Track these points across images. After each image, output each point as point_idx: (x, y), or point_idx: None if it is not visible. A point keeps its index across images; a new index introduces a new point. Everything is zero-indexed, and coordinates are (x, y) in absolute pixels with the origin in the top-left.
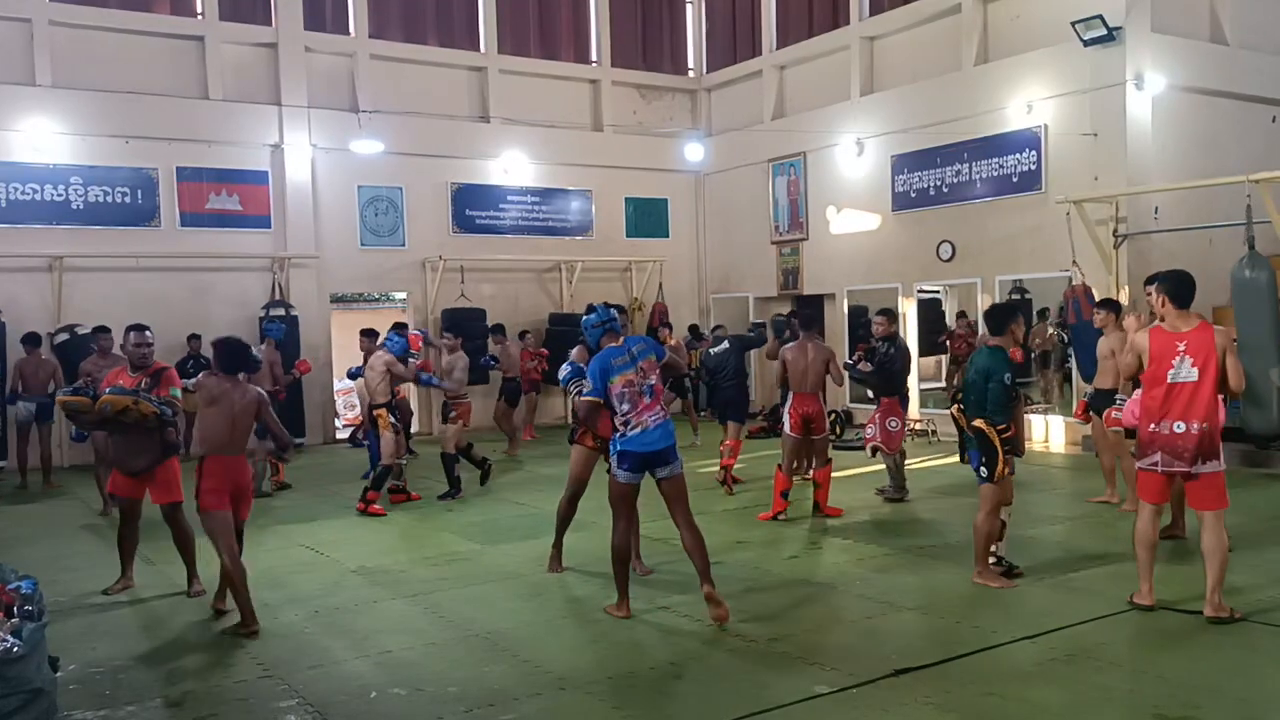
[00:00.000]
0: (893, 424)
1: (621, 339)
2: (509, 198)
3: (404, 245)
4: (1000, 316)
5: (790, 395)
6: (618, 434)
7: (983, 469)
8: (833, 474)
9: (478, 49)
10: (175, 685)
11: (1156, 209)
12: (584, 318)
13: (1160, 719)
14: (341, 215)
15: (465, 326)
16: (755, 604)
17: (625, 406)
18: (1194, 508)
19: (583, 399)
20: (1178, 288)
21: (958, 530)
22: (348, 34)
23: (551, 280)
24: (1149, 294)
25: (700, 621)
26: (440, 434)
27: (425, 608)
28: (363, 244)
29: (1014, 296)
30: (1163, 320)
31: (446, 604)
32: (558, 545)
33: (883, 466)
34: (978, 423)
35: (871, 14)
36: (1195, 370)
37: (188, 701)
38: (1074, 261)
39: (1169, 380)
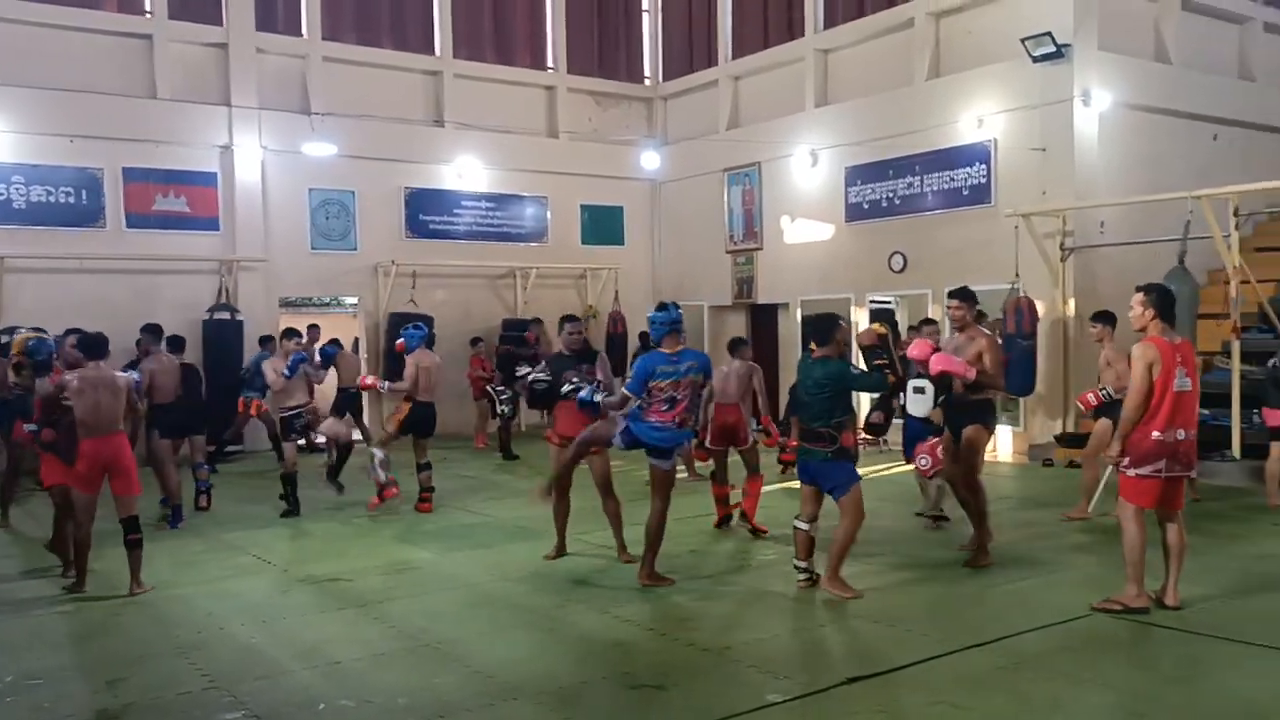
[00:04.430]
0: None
1: (680, 347)
2: (463, 203)
3: (355, 249)
4: (824, 327)
5: (712, 408)
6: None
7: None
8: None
9: (432, 53)
10: (117, 697)
11: (1103, 223)
12: (652, 313)
13: None
14: (292, 218)
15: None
16: (707, 612)
17: (649, 400)
18: (1172, 509)
19: (621, 393)
20: (1165, 301)
21: (907, 539)
22: (300, 35)
23: (505, 287)
24: (1133, 304)
25: (653, 630)
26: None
27: (375, 617)
28: (313, 247)
29: (886, 305)
30: (1143, 330)
31: (396, 613)
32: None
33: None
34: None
35: (826, 27)
36: (1188, 380)
37: (129, 714)
38: (1016, 274)
39: (1176, 389)
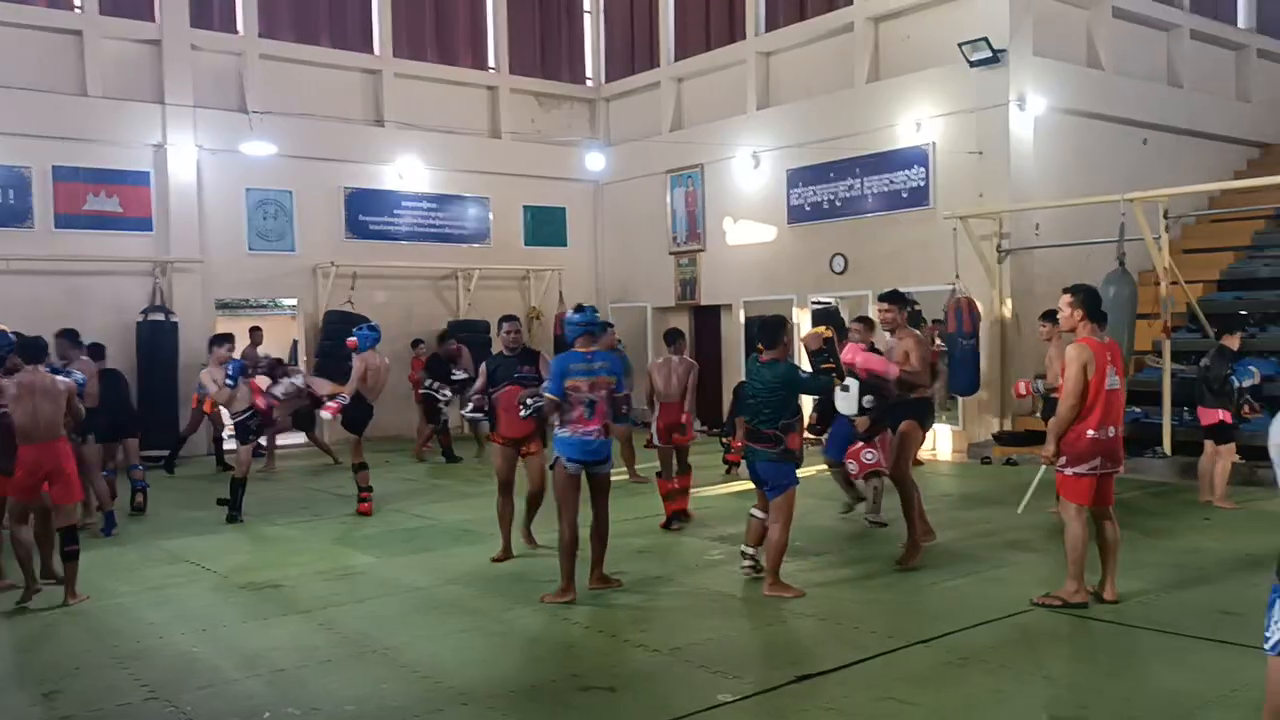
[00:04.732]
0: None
1: (594, 347)
2: (404, 203)
3: (294, 250)
4: (772, 330)
5: (657, 406)
6: (562, 429)
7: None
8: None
9: (372, 51)
10: (55, 709)
11: (1038, 225)
12: (569, 315)
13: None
14: (228, 218)
15: (347, 331)
16: (657, 613)
17: (569, 410)
18: (1104, 505)
19: (545, 396)
20: (1092, 301)
21: (849, 538)
22: (236, 32)
23: (448, 288)
24: (1061, 305)
25: (603, 632)
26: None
27: (319, 623)
28: (250, 248)
29: (827, 305)
30: (1072, 331)
31: (341, 619)
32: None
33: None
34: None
35: (767, 30)
36: (1117, 378)
37: None
38: (956, 275)
39: (1107, 388)
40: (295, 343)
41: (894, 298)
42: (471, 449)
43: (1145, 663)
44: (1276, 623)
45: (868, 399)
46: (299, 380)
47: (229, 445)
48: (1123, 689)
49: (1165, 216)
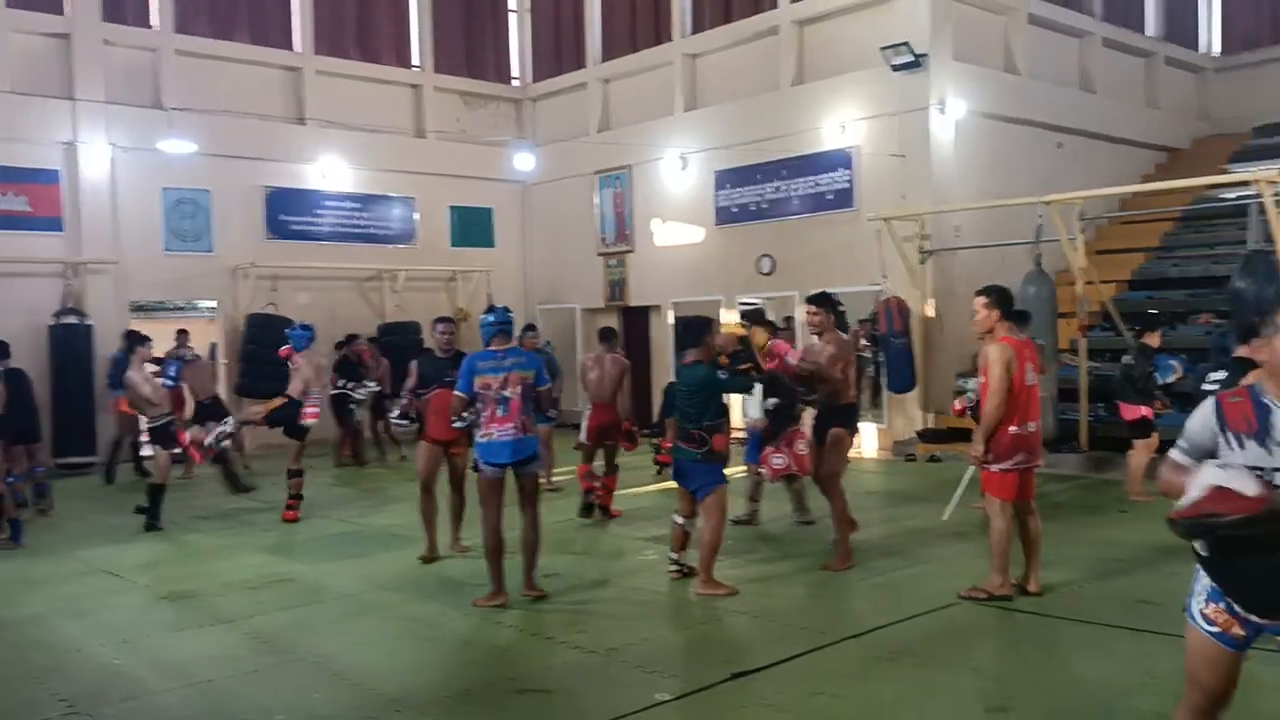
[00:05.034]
0: (801, 447)
1: (507, 346)
2: (326, 203)
3: (212, 251)
4: (695, 331)
5: (589, 405)
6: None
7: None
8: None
9: (292, 48)
10: None
11: (958, 227)
12: (482, 316)
13: (984, 711)
14: (143, 218)
15: (269, 334)
16: (591, 615)
17: (482, 410)
18: (1027, 499)
19: (458, 396)
20: (1005, 300)
21: (778, 536)
22: (149, 27)
23: (373, 290)
24: (976, 307)
25: (537, 635)
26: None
27: (245, 633)
28: (167, 249)
29: (754, 305)
30: (990, 332)
31: (268, 628)
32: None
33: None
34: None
35: (694, 32)
36: (1034, 375)
37: None
38: (884, 275)
39: (1026, 384)
40: (214, 345)
41: (822, 300)
42: (389, 451)
43: (1069, 653)
44: (1192, 589)
45: (770, 401)
46: (229, 426)
47: (146, 451)
48: (1048, 679)
49: (1081, 218)
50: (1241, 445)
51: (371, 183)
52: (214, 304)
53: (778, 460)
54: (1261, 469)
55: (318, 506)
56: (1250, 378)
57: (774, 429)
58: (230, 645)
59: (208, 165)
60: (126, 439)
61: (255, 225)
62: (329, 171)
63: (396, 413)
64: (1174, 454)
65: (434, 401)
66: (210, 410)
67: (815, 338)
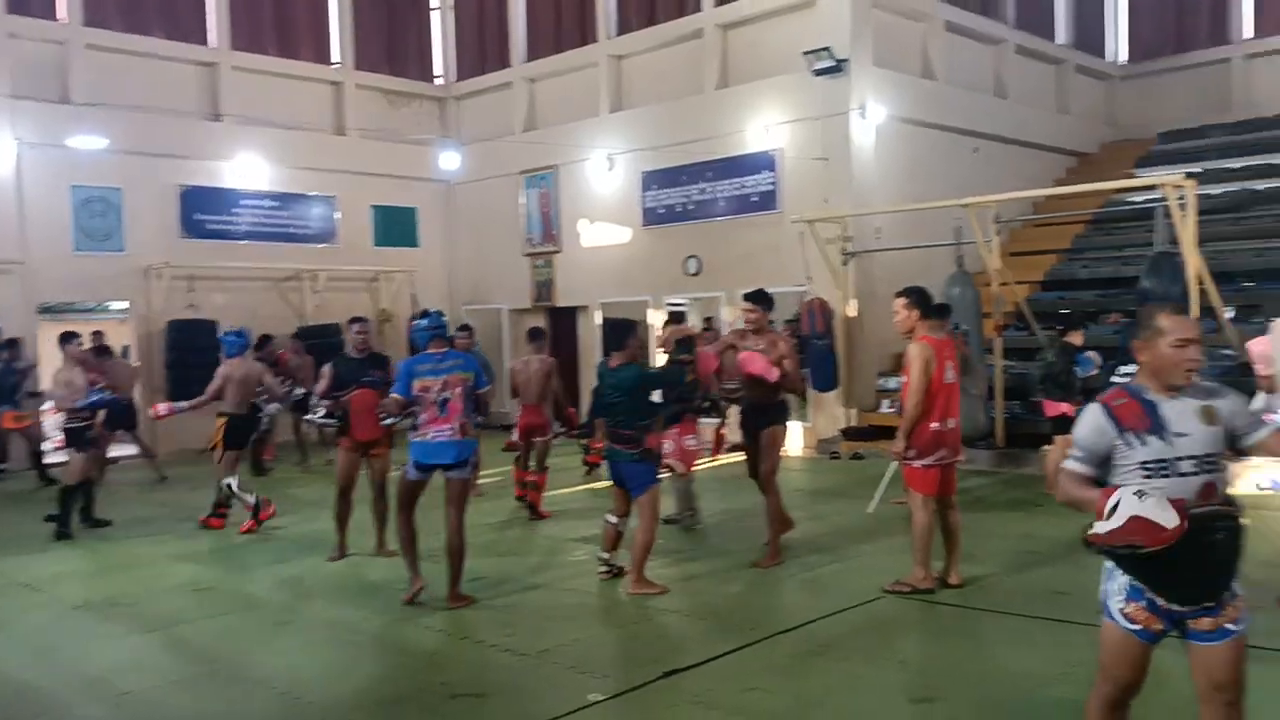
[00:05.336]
0: (691, 442)
1: (445, 348)
2: (243, 202)
3: (123, 250)
4: (620, 334)
5: (519, 407)
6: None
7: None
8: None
9: (207, 43)
10: None
11: (879, 229)
12: (416, 321)
13: (910, 702)
14: (51, 216)
15: (196, 339)
16: (521, 617)
17: (420, 413)
18: (948, 494)
19: (392, 397)
20: (924, 300)
21: (709, 533)
22: (57, 20)
23: (292, 290)
24: (896, 308)
25: (468, 639)
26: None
27: (166, 643)
28: (76, 249)
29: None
30: (910, 332)
31: (191, 637)
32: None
33: None
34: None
35: (619, 33)
36: (953, 372)
37: None
38: (808, 277)
39: (946, 381)
40: (126, 347)
41: (759, 298)
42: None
43: (990, 643)
44: (1102, 584)
45: (656, 393)
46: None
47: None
48: (971, 669)
49: (996, 221)
50: (1144, 442)
51: (290, 181)
52: (126, 305)
53: (667, 447)
54: (1165, 460)
55: (237, 513)
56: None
57: (665, 421)
58: (151, 655)
59: (119, 162)
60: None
61: (169, 224)
62: (245, 169)
63: (322, 412)
64: (1071, 464)
65: (355, 402)
66: (124, 411)
67: (752, 335)
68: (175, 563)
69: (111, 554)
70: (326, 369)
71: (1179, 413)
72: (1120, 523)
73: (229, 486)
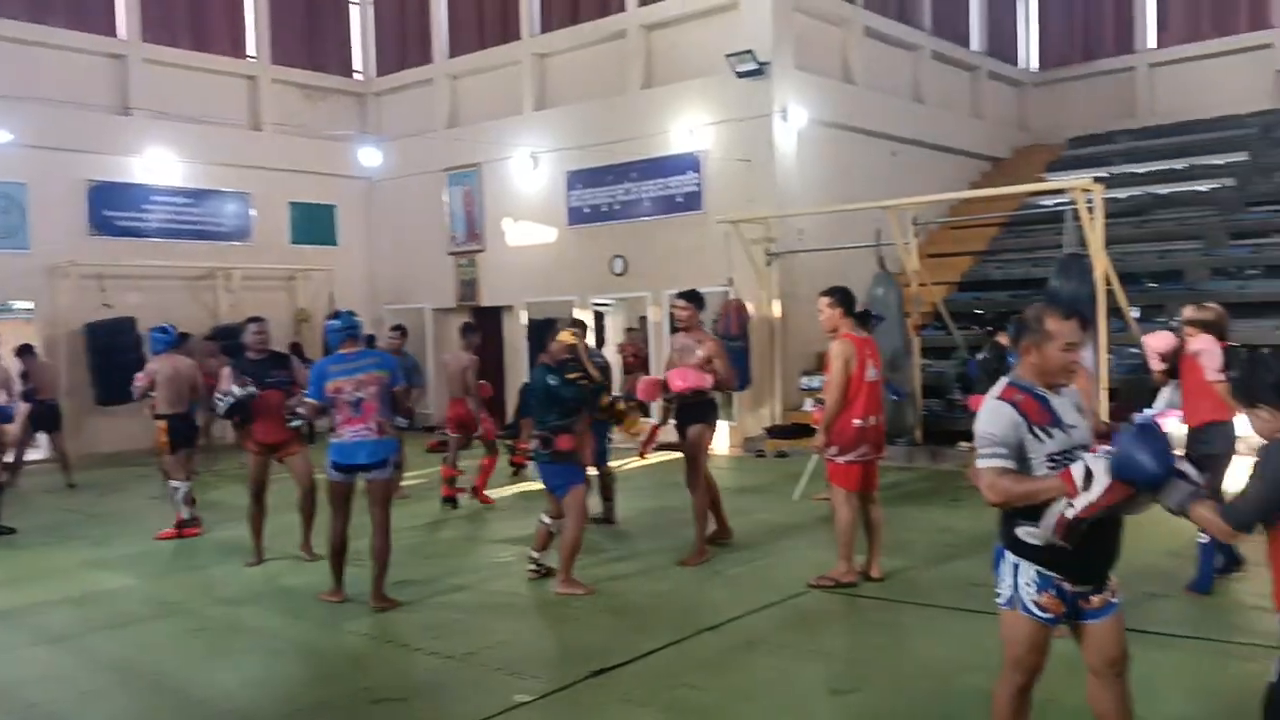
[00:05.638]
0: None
1: (359, 348)
2: (154, 198)
3: (27, 248)
4: (543, 334)
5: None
6: (334, 449)
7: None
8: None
9: (116, 34)
10: None
11: (801, 230)
12: (329, 322)
13: (832, 694)
14: None
15: (117, 339)
16: (447, 619)
17: (335, 414)
18: (870, 489)
19: (306, 402)
20: (847, 300)
21: (636, 532)
22: None
23: (206, 289)
24: (820, 308)
25: (391, 642)
26: None
27: (73, 652)
28: None
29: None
30: (835, 331)
31: (100, 645)
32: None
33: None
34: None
35: (542, 31)
36: (875, 370)
37: None
38: (730, 279)
39: (867, 379)
40: (29, 345)
41: (692, 297)
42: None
43: (911, 634)
44: (1003, 580)
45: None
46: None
47: None
48: (892, 660)
49: (915, 223)
50: (1050, 435)
51: (204, 177)
52: (31, 305)
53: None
54: (1067, 451)
55: (146, 518)
56: (1012, 376)
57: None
58: (58, 665)
59: (23, 156)
60: None
61: (77, 221)
62: (156, 164)
63: (231, 399)
64: (998, 463)
65: (257, 404)
66: (50, 414)
67: (680, 332)
68: (81, 569)
69: (17, 562)
70: (226, 370)
71: (1063, 406)
72: (1101, 490)
73: (176, 490)
